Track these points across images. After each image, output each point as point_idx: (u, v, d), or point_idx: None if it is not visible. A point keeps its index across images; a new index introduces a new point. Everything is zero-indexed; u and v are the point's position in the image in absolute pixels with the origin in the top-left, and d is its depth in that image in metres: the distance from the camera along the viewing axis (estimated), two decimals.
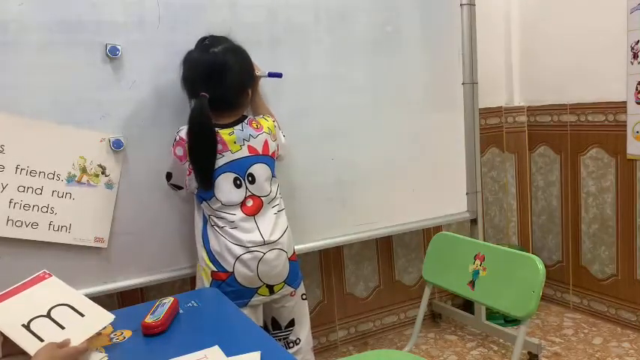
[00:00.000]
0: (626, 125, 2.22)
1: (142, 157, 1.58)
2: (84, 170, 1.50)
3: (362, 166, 1.96)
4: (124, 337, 1.15)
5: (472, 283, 1.46)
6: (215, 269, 1.49)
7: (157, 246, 1.63)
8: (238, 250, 1.47)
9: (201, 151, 1.45)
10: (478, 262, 1.47)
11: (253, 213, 1.49)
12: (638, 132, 2.18)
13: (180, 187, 1.56)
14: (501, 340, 2.31)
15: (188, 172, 1.48)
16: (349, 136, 1.92)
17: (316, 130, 1.85)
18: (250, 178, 1.49)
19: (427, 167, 2.11)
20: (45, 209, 1.45)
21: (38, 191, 1.45)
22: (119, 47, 1.51)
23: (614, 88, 2.23)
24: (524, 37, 2.60)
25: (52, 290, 1.10)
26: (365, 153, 1.97)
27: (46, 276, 1.12)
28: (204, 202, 1.50)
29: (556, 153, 2.55)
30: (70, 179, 1.49)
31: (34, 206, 1.44)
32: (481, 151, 2.34)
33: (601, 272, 2.44)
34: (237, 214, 1.48)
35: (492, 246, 1.50)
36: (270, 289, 1.52)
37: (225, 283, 1.48)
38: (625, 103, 2.21)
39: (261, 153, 1.51)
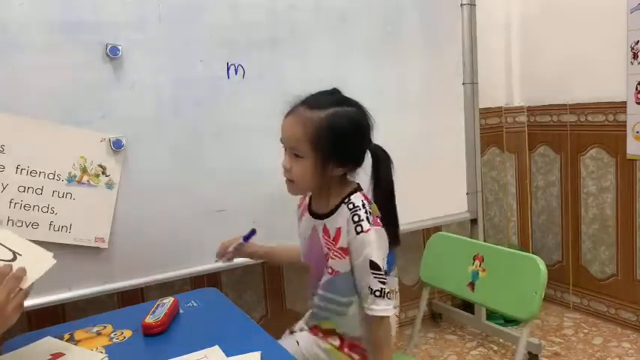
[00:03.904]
0: (626, 125, 2.22)
1: (142, 157, 1.58)
2: (84, 170, 1.50)
3: None
4: (124, 337, 1.15)
5: (472, 285, 1.46)
6: None
7: (156, 246, 1.63)
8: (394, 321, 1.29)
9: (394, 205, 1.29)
10: (477, 262, 1.46)
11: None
12: (638, 132, 2.18)
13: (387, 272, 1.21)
14: (501, 340, 2.31)
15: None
16: None
17: None
18: None
19: (427, 167, 2.11)
20: (45, 209, 1.45)
21: (38, 191, 1.45)
22: (119, 47, 1.51)
23: (614, 88, 2.23)
24: (524, 37, 2.60)
25: None
26: None
27: None
28: None
29: (556, 153, 2.55)
30: (71, 179, 1.49)
31: (34, 206, 1.44)
32: (481, 151, 2.34)
33: (601, 272, 2.44)
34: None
35: (491, 246, 1.49)
36: None
37: None
38: (625, 103, 2.21)
39: None
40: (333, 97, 1.26)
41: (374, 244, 1.18)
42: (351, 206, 1.21)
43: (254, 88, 1.72)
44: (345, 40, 1.88)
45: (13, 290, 0.93)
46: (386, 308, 1.19)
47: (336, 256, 1.23)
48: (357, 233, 1.19)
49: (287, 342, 1.36)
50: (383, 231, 1.21)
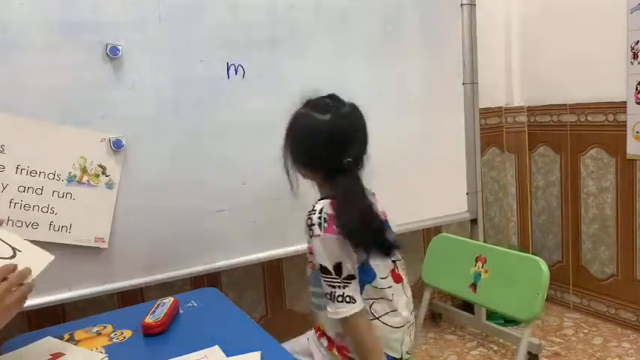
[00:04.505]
0: (626, 125, 2.22)
1: (142, 157, 1.58)
2: (84, 170, 1.50)
3: None
4: (124, 337, 1.15)
5: (474, 286, 1.46)
6: None
7: (157, 246, 1.63)
8: (403, 333, 1.30)
9: (375, 218, 1.26)
10: (479, 264, 1.46)
11: (401, 280, 1.33)
12: (638, 132, 2.18)
13: (352, 278, 1.21)
14: (501, 340, 2.31)
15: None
16: None
17: None
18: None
19: (427, 167, 2.11)
20: (45, 209, 1.45)
21: (38, 191, 1.45)
22: (119, 47, 1.51)
23: (614, 88, 2.23)
24: (524, 37, 2.60)
25: None
26: None
27: None
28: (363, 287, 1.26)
29: (556, 153, 2.55)
30: (71, 179, 1.49)
31: (34, 206, 1.44)
32: (481, 151, 2.34)
33: (601, 272, 2.44)
34: (393, 287, 1.29)
35: (494, 247, 1.49)
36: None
37: None
38: (625, 103, 2.21)
39: (384, 219, 1.35)
40: (314, 100, 1.28)
41: (320, 249, 1.20)
42: (310, 209, 1.23)
43: (254, 88, 1.72)
44: (345, 40, 1.88)
45: (13, 286, 0.94)
46: (336, 311, 1.20)
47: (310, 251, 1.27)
48: (310, 237, 1.22)
49: (302, 339, 1.41)
50: (334, 240, 1.19)
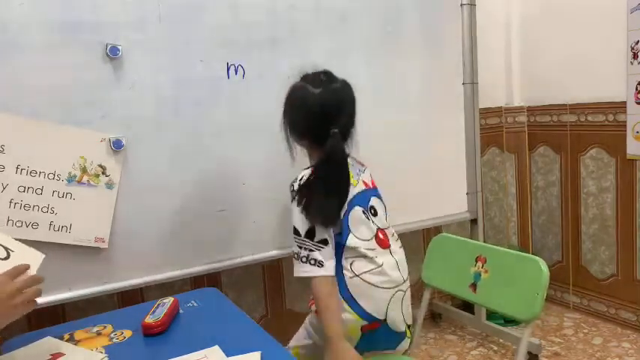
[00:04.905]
0: (626, 125, 2.22)
1: (142, 157, 1.58)
2: (84, 170, 1.50)
3: None
4: (124, 337, 1.15)
5: (474, 286, 1.46)
6: (366, 322, 1.34)
7: (156, 246, 1.63)
8: (388, 294, 1.36)
9: (341, 184, 1.35)
10: (480, 264, 1.46)
11: (387, 246, 1.40)
12: (638, 132, 2.18)
13: (325, 243, 1.31)
14: (501, 340, 2.31)
15: None
16: None
17: None
18: (373, 211, 1.42)
19: (427, 167, 2.11)
20: (45, 209, 1.45)
21: (39, 191, 1.45)
22: (119, 47, 1.51)
23: (614, 88, 2.23)
24: (524, 37, 2.60)
25: None
26: (364, 153, 1.96)
27: None
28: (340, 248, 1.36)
29: (556, 153, 2.55)
30: (71, 179, 1.49)
31: (34, 206, 1.44)
32: (481, 151, 2.34)
33: (601, 272, 2.44)
34: (377, 249, 1.37)
35: (494, 248, 1.49)
36: (408, 328, 1.44)
37: (377, 331, 1.36)
38: (625, 103, 2.21)
39: (371, 187, 1.46)
40: (310, 74, 1.41)
41: (296, 213, 1.32)
42: (294, 177, 1.37)
43: (254, 88, 1.72)
44: (345, 40, 1.88)
45: (24, 288, 0.95)
46: (298, 270, 1.32)
47: None
48: (291, 201, 1.35)
49: (301, 327, 1.52)
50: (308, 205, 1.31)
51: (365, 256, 1.34)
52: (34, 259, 1.04)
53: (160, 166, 1.60)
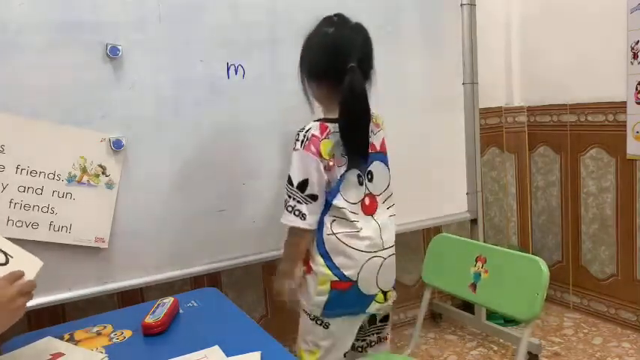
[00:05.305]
0: (626, 125, 2.22)
1: (142, 157, 1.58)
2: (84, 170, 1.50)
3: None
4: (124, 337, 1.15)
5: (474, 286, 1.46)
6: (336, 279, 1.38)
7: (156, 246, 1.63)
8: (362, 257, 1.39)
9: (363, 121, 1.37)
10: (479, 264, 1.46)
11: (371, 212, 1.43)
12: (638, 132, 2.18)
13: (314, 198, 1.36)
14: (501, 340, 2.31)
15: (328, 167, 1.35)
16: None
17: None
18: (370, 176, 1.44)
19: (427, 167, 2.11)
20: (45, 209, 1.45)
21: (39, 191, 1.45)
22: (119, 47, 1.51)
23: (614, 88, 2.23)
24: (524, 37, 2.60)
25: None
26: None
27: None
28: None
29: (556, 153, 2.55)
30: (71, 179, 1.49)
31: (34, 206, 1.44)
32: (481, 151, 2.34)
33: (601, 272, 2.44)
34: (359, 214, 1.40)
35: (494, 247, 1.49)
36: (384, 295, 1.47)
37: (347, 292, 1.39)
38: (625, 103, 2.21)
39: (379, 150, 1.47)
40: (323, 18, 1.42)
41: (294, 162, 1.35)
42: (300, 128, 1.38)
43: (254, 88, 1.72)
44: None
45: (23, 292, 0.96)
46: (284, 217, 1.37)
47: None
48: (293, 150, 1.36)
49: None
50: (309, 157, 1.33)
51: (345, 218, 1.38)
52: (33, 266, 1.04)
53: (160, 166, 1.60)
